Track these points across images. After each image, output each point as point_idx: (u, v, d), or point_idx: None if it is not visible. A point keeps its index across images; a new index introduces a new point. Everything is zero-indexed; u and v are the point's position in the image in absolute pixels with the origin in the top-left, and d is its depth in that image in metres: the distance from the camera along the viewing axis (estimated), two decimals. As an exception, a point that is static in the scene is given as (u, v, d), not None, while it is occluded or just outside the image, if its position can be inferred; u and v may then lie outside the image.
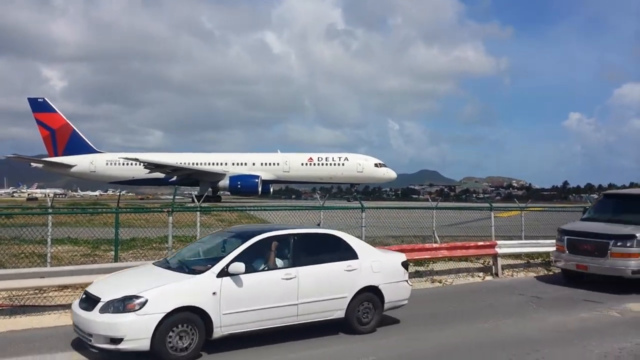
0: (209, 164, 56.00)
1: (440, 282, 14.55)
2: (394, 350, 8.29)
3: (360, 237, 14.71)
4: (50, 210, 13.14)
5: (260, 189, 54.00)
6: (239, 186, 52.92)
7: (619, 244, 13.15)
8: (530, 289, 13.61)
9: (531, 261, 17.54)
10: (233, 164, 55.85)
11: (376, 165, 57.37)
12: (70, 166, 57.17)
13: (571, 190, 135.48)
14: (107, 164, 57.02)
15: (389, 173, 58.77)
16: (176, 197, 17.77)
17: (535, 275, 16.24)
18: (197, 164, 55.53)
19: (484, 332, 9.42)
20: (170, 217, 12.65)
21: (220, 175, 54.09)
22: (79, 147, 58.29)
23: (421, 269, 15.46)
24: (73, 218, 17.96)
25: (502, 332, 9.44)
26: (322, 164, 56.87)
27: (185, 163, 54.95)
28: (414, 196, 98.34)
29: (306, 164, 56.76)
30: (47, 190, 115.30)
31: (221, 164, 55.72)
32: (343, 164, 56.75)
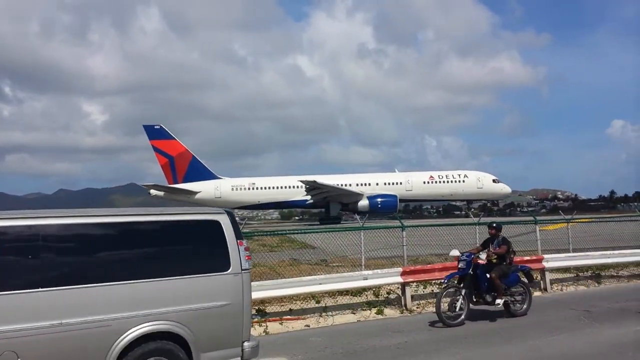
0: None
1: (486, 299, 14.26)
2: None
3: (402, 257, 14.68)
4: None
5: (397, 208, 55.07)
6: (379, 206, 53.49)
7: None
8: (581, 302, 13.23)
9: (580, 274, 17.06)
10: (357, 184, 56.36)
11: (494, 180, 57.62)
12: (195, 193, 57.12)
13: (619, 200, 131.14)
14: (232, 189, 57.50)
15: (506, 188, 59.06)
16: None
17: (585, 288, 15.79)
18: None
19: (536, 348, 9.18)
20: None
21: (358, 196, 54.63)
22: (199, 173, 58.36)
23: (466, 286, 15.18)
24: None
25: (554, 348, 9.19)
26: (443, 182, 57.23)
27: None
28: (456, 212, 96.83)
29: (428, 182, 57.26)
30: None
31: (344, 185, 55.97)
32: (463, 181, 57.02)
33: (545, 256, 15.64)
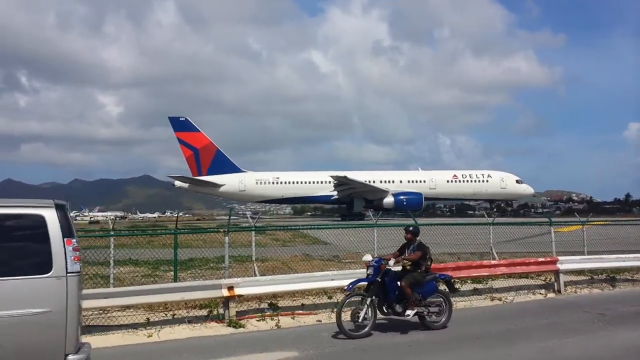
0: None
1: (499, 299, 14.20)
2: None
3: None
4: (112, 233, 13.59)
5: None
6: (405, 203, 53.61)
7: None
8: (595, 305, 13.10)
9: (595, 277, 16.91)
10: (381, 181, 56.44)
11: (517, 181, 57.56)
12: (219, 185, 57.64)
13: (635, 203, 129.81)
14: (256, 182, 57.91)
15: (529, 189, 59.08)
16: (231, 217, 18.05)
17: (599, 291, 15.66)
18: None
19: (548, 350, 9.11)
20: (227, 237, 12.85)
21: (383, 192, 54.85)
22: (224, 166, 58.69)
23: (479, 286, 15.14)
24: (133, 240, 18.49)
25: (568, 350, 9.11)
26: (467, 181, 57.33)
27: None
28: (469, 212, 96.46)
29: (451, 181, 57.32)
30: (108, 213, 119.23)
31: (369, 182, 56.05)
32: (487, 181, 57.05)
33: (560, 258, 15.53)
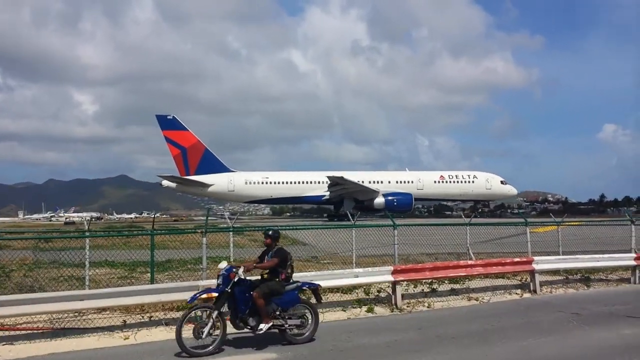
0: None
1: (476, 299, 14.32)
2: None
3: (393, 255, 14.71)
4: (87, 234, 13.41)
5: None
6: (395, 203, 53.93)
7: None
8: (570, 305, 13.28)
9: (570, 277, 17.16)
10: (370, 182, 56.31)
11: (502, 182, 58.16)
12: (208, 185, 56.95)
13: (609, 204, 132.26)
14: (246, 182, 57.40)
15: (512, 190, 59.94)
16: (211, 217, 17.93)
17: (574, 291, 15.88)
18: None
19: (524, 350, 9.20)
20: (205, 238, 12.76)
21: (374, 193, 54.84)
22: (212, 166, 57.84)
23: (457, 286, 15.28)
24: (110, 241, 18.29)
25: (544, 350, 9.21)
26: (454, 182, 57.71)
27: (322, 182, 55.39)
28: (447, 212, 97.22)
29: (438, 182, 57.63)
30: (84, 214, 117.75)
31: (357, 182, 55.80)
32: (473, 181, 57.65)
33: (535, 258, 15.71)
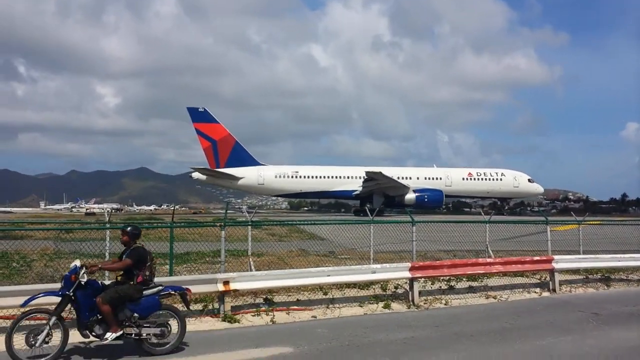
0: None
1: (494, 297, 14.22)
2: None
3: (411, 252, 14.67)
4: (108, 225, 13.54)
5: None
6: (426, 200, 54.31)
7: None
8: (590, 305, 13.14)
9: (590, 276, 16.96)
10: (398, 177, 56.35)
11: (529, 180, 58.08)
12: (238, 178, 57.10)
13: (631, 203, 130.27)
14: (275, 176, 57.59)
15: (539, 188, 60.01)
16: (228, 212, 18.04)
17: (594, 291, 15.70)
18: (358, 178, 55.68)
19: (542, 349, 9.13)
20: (223, 232, 12.83)
21: (405, 189, 54.77)
22: (242, 159, 58.08)
23: (475, 284, 15.18)
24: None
25: (561, 349, 9.13)
26: (481, 179, 57.76)
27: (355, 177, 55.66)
28: (466, 209, 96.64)
29: (466, 179, 57.69)
30: (104, 205, 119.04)
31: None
32: (500, 179, 57.67)
33: (555, 257, 15.56)
